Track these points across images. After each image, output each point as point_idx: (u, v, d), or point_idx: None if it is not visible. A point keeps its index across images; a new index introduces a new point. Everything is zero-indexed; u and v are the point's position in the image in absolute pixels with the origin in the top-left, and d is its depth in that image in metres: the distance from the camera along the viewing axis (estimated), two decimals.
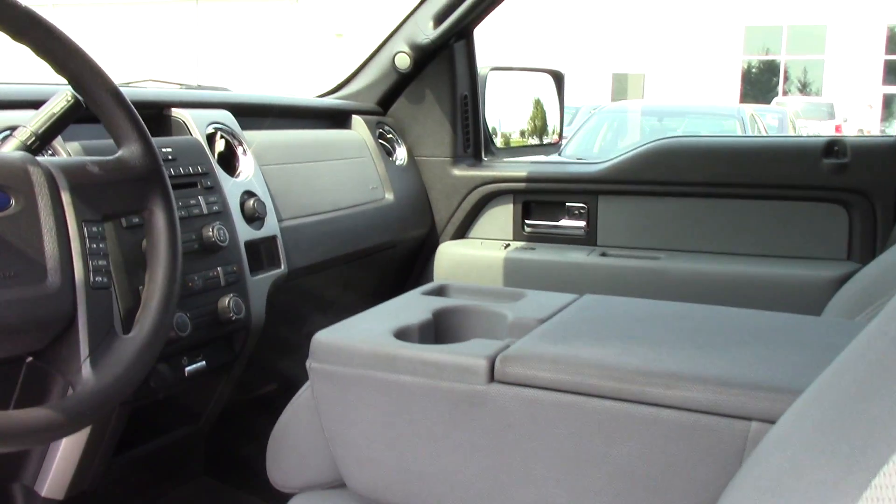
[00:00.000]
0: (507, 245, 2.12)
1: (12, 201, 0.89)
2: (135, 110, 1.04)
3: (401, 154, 2.16)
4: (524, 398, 0.98)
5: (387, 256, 2.05)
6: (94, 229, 0.95)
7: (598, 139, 8.61)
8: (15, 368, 1.11)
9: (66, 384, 1.14)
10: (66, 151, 1.25)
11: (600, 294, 1.33)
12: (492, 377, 1.00)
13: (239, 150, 1.61)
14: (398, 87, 2.18)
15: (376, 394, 1.07)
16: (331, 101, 2.18)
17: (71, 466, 1.31)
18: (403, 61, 2.12)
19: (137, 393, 1.31)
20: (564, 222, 2.11)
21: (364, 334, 1.11)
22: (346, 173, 1.93)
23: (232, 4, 23.67)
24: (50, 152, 1.24)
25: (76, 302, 0.91)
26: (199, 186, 1.44)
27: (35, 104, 1.21)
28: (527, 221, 2.14)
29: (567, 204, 2.10)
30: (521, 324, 1.18)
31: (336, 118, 2.09)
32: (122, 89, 1.38)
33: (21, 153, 0.95)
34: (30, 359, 1.06)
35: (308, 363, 1.14)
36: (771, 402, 0.86)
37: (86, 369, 0.90)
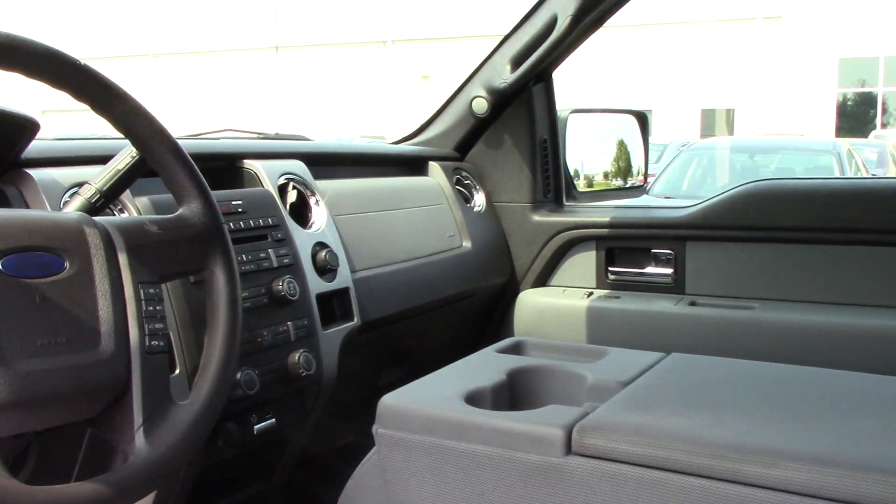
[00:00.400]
0: (590, 293, 2.03)
1: (66, 264, 0.86)
2: (195, 167, 1.02)
3: (479, 200, 2.10)
4: (604, 472, 0.90)
5: (465, 306, 1.99)
6: (151, 291, 0.92)
7: (686, 176, 8.41)
8: (77, 436, 1.09)
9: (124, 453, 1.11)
10: (135, 206, 1.24)
11: (689, 346, 1.24)
12: (569, 448, 0.93)
13: (311, 201, 1.58)
14: (476, 131, 2.14)
15: (445, 463, 1.00)
16: (407, 147, 2.14)
17: None
18: (481, 106, 2.07)
19: (205, 453, 1.28)
20: (650, 269, 2.02)
21: (433, 398, 1.05)
22: (422, 221, 1.89)
23: (328, 51, 24.26)
24: (119, 207, 1.23)
25: (130, 367, 0.87)
26: (269, 239, 1.41)
27: (103, 160, 1.20)
28: (610, 269, 2.05)
29: (653, 250, 2.00)
30: (601, 387, 1.10)
31: (412, 165, 2.05)
32: (195, 141, 1.37)
33: (78, 214, 0.93)
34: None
35: (374, 428, 1.09)
36: (883, 486, 0.76)
37: (139, 438, 0.86)
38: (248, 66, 24.93)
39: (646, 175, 2.47)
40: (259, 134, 1.98)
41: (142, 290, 0.91)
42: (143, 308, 0.90)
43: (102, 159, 1.22)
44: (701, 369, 1.15)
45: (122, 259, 0.91)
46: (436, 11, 23.15)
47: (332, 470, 1.87)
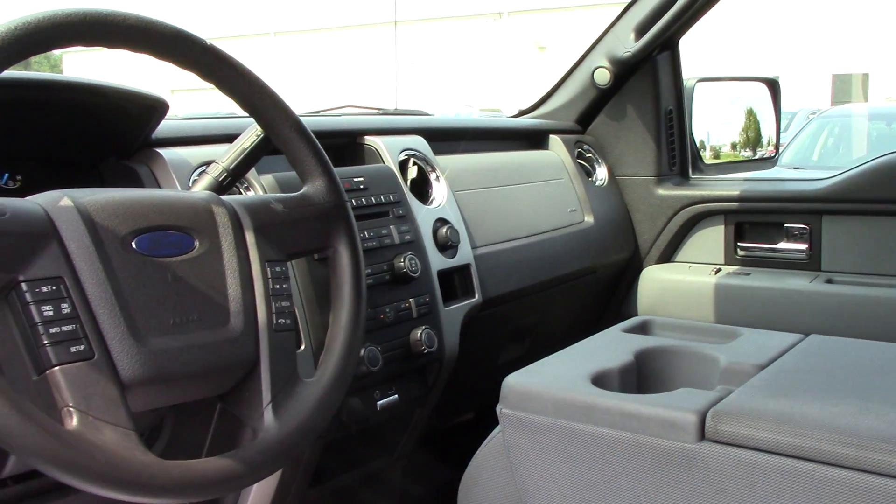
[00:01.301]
0: (718, 270, 1.96)
1: (196, 243, 0.88)
2: (319, 145, 1.02)
3: (601, 174, 2.05)
4: (739, 460, 0.86)
5: (586, 283, 1.94)
6: (278, 269, 0.93)
7: (817, 146, 8.03)
8: (208, 412, 1.11)
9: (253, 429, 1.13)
10: (260, 184, 1.25)
11: (826, 327, 1.17)
12: (702, 434, 0.89)
13: (432, 177, 1.57)
14: (598, 103, 2.08)
15: (572, 445, 0.98)
16: (527, 121, 2.11)
17: (267, 498, 1.30)
18: (603, 77, 2.02)
19: (330, 428, 1.29)
20: (783, 245, 1.92)
21: (559, 379, 1.02)
22: (543, 196, 1.85)
23: (443, 24, 24.28)
24: (245, 185, 1.24)
25: (259, 345, 0.88)
26: (390, 215, 1.41)
27: (229, 138, 1.22)
28: (740, 244, 1.97)
29: (786, 225, 1.91)
30: (735, 370, 1.05)
31: (533, 138, 2.02)
32: (316, 118, 1.37)
33: (206, 193, 0.94)
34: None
35: (498, 408, 1.07)
36: None
37: (268, 415, 0.87)
38: (365, 41, 25.19)
39: (777, 145, 2.36)
40: (379, 110, 1.98)
41: (268, 269, 0.92)
42: (270, 286, 0.91)
43: (229, 138, 1.24)
44: (843, 352, 1.08)
45: (250, 238, 0.92)
46: None
47: (452, 447, 1.87)
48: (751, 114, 2.38)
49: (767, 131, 2.36)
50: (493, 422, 1.23)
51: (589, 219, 1.93)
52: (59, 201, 0.81)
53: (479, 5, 23.77)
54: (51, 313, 0.75)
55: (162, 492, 0.75)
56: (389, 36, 24.60)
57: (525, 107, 2.23)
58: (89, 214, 0.81)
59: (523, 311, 1.80)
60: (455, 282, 1.53)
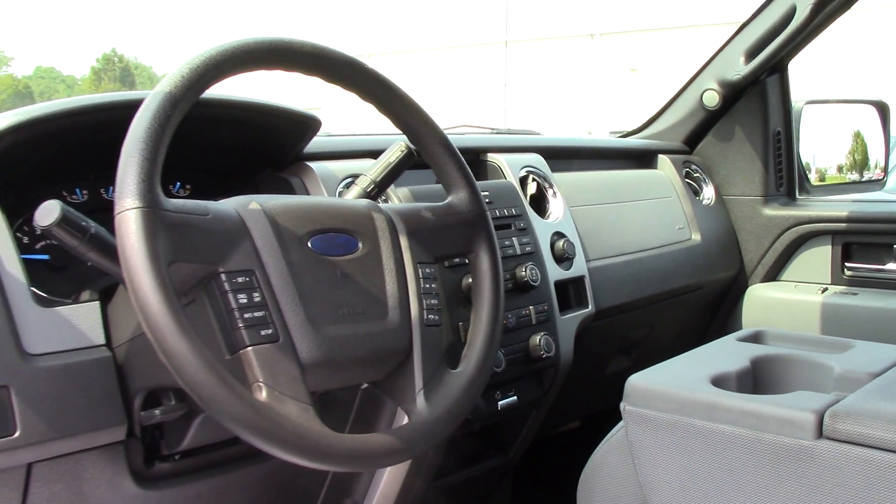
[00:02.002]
0: (825, 289, 1.99)
1: (360, 245, 0.99)
2: (462, 160, 1.12)
3: (708, 193, 2.11)
4: (857, 457, 0.92)
5: (692, 298, 2.00)
6: (428, 270, 1.03)
7: None
8: (352, 394, 1.22)
9: (393, 412, 1.24)
10: (397, 196, 1.36)
11: None
12: (820, 432, 0.95)
13: (549, 193, 1.66)
14: (706, 124, 2.14)
15: (693, 441, 1.05)
16: (637, 141, 2.18)
17: (395, 488, 1.41)
18: (712, 98, 2.08)
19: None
20: (892, 266, 1.94)
21: (680, 380, 1.10)
22: (652, 213, 1.92)
23: (532, 45, 24.36)
24: (383, 198, 1.35)
25: (412, 338, 0.99)
26: (512, 228, 1.50)
27: (373, 154, 1.34)
28: (847, 264, 1.99)
29: (895, 246, 1.93)
30: (849, 377, 1.10)
31: (642, 158, 2.09)
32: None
33: (366, 201, 1.06)
34: (364, 385, 1.16)
35: (622, 405, 1.15)
36: None
37: (420, 400, 0.97)
38: (464, 62, 25.45)
39: (885, 168, 2.37)
40: (492, 129, 2.09)
41: (420, 270, 1.02)
42: (422, 285, 1.02)
43: (371, 154, 1.36)
44: None
45: (403, 241, 1.03)
46: (644, 2, 22.67)
47: (560, 451, 1.94)
48: (858, 136, 2.39)
49: (875, 154, 2.37)
50: (599, 429, 1.30)
51: (696, 236, 1.99)
52: (249, 205, 0.93)
53: (572, 27, 23.79)
54: (245, 301, 0.87)
55: (335, 460, 0.86)
56: (485, 57, 24.81)
57: (631, 128, 2.30)
58: (273, 217, 0.93)
59: (632, 323, 1.86)
60: (570, 292, 1.61)
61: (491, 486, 1.72)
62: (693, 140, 2.17)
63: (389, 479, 1.40)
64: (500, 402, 1.45)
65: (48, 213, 0.85)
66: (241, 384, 0.82)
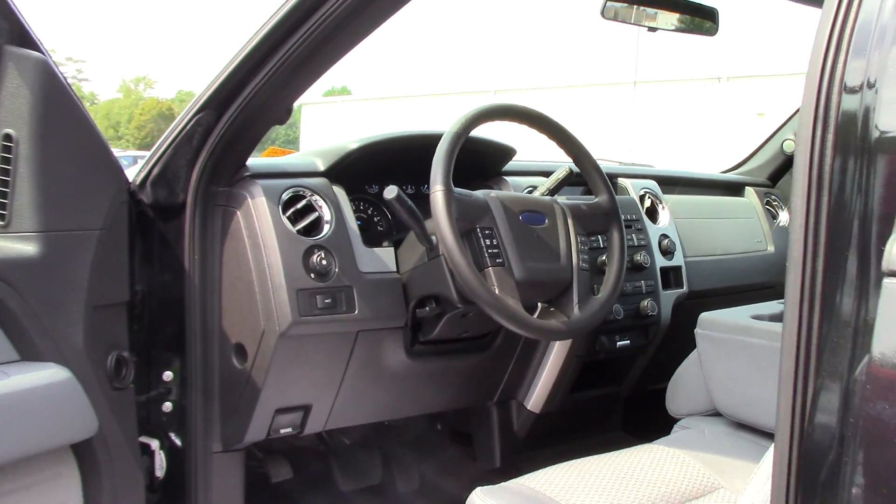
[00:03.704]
0: None
1: (546, 221, 1.74)
2: (606, 177, 1.86)
3: (783, 217, 2.78)
4: None
5: (764, 295, 2.67)
6: (582, 239, 1.78)
7: None
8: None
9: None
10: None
11: None
12: None
13: (659, 207, 2.39)
14: (785, 166, 2.82)
15: (739, 350, 1.76)
16: (730, 175, 2.89)
17: (546, 391, 2.15)
18: (790, 146, 2.76)
19: (588, 352, 2.13)
20: None
21: (730, 314, 1.81)
22: (737, 228, 2.62)
23: (663, 86, 24.82)
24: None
25: (573, 274, 1.73)
26: (633, 228, 2.24)
27: (545, 173, 2.10)
28: None
29: None
30: None
31: (733, 188, 2.79)
32: None
33: (549, 197, 1.82)
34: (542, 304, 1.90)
35: (696, 331, 1.87)
36: None
37: (575, 309, 1.71)
38: (595, 100, 26.17)
39: None
40: (620, 162, 2.83)
41: (578, 238, 1.77)
42: (579, 247, 1.76)
43: (544, 173, 2.12)
44: None
45: (570, 221, 1.78)
46: (770, 47, 22.81)
47: (657, 400, 2.65)
48: None
49: None
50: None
51: (771, 248, 2.67)
52: (490, 194, 1.70)
53: (699, 69, 24.15)
54: (488, 243, 1.64)
55: (529, 328, 1.61)
56: (608, 96, 25.40)
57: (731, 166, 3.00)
58: (502, 201, 1.70)
59: (715, 305, 2.55)
60: (671, 276, 2.32)
61: (607, 410, 2.44)
62: (775, 177, 2.85)
63: (544, 384, 2.14)
64: (618, 343, 2.19)
65: (391, 192, 1.64)
66: (486, 285, 1.59)
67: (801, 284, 0.80)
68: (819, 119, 0.78)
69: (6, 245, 1.39)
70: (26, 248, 1.40)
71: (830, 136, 0.78)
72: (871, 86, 0.76)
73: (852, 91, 0.77)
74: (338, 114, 31.30)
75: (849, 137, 0.76)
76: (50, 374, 1.38)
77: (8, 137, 1.39)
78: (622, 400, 2.47)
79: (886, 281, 0.68)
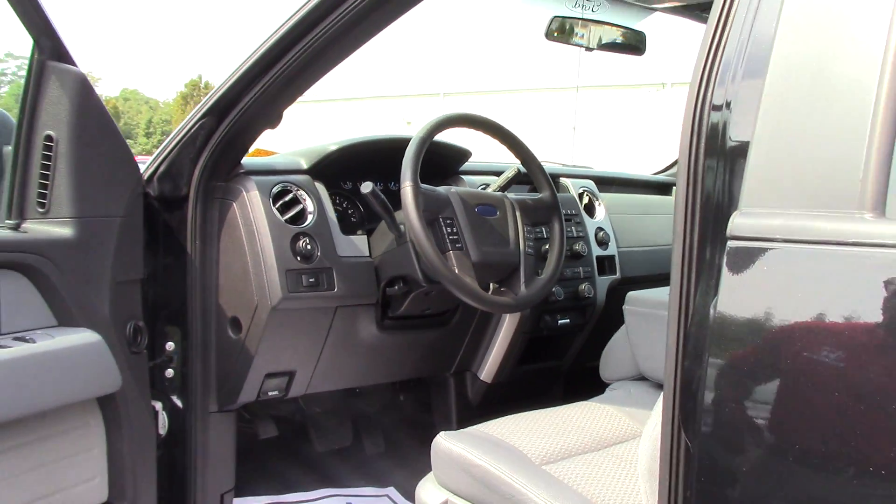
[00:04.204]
0: None
1: (497, 213, 2.05)
2: (549, 176, 2.18)
3: None
4: None
5: None
6: (528, 228, 2.09)
7: None
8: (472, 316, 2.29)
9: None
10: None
11: None
12: None
13: (596, 203, 2.72)
14: None
15: (659, 322, 2.09)
16: (659, 176, 3.23)
17: (497, 363, 2.46)
18: None
19: (533, 329, 2.45)
20: None
21: (653, 293, 2.14)
22: (664, 223, 2.96)
23: (606, 91, 25.36)
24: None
25: (520, 258, 2.04)
26: (572, 221, 2.56)
27: (497, 173, 2.41)
28: None
29: None
30: None
31: (662, 188, 3.14)
32: None
33: (501, 193, 2.13)
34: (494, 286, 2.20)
35: (624, 307, 2.20)
36: None
37: (522, 287, 2.02)
38: (539, 104, 26.66)
39: None
40: (563, 164, 3.16)
41: (525, 228, 2.08)
42: (525, 235, 2.08)
43: (496, 173, 2.43)
44: None
45: (518, 214, 2.09)
46: None
47: (593, 375, 2.97)
48: None
49: None
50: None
51: None
52: (451, 189, 2.01)
53: (644, 76, 24.76)
54: (450, 231, 1.94)
55: (485, 303, 1.92)
56: (551, 100, 25.89)
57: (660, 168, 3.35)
58: (460, 196, 2.01)
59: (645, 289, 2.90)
60: (605, 264, 2.65)
61: (550, 381, 2.77)
62: None
63: (495, 356, 2.45)
64: (559, 321, 2.51)
65: (367, 187, 1.93)
66: (447, 266, 1.90)
67: (682, 251, 1.12)
68: (695, 131, 1.09)
69: (47, 228, 1.66)
70: (63, 230, 1.67)
71: (703, 144, 1.09)
72: (728, 107, 1.07)
73: (717, 109, 1.08)
74: (288, 116, 31.18)
75: (714, 144, 1.08)
76: (84, 336, 1.65)
77: (49, 138, 1.65)
78: (564, 373, 2.79)
79: (729, 243, 0.99)
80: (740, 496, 0.98)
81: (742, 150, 1.03)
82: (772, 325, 0.94)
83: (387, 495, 2.49)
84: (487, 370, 2.48)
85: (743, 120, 1.05)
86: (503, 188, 2.25)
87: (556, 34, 2.34)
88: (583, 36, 2.40)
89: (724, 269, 0.99)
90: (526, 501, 1.56)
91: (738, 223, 0.98)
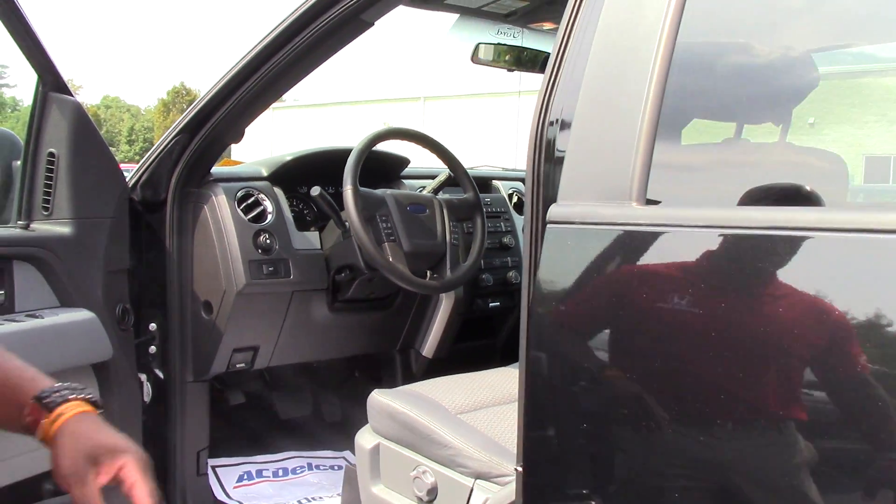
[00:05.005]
0: None
1: (427, 210, 2.45)
2: (472, 180, 2.58)
3: None
4: None
5: None
6: (453, 224, 2.49)
7: None
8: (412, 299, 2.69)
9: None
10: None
11: None
12: None
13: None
14: None
15: None
16: None
17: (437, 341, 2.86)
18: None
19: (467, 311, 2.85)
20: None
21: None
22: None
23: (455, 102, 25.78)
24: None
25: (447, 248, 2.44)
26: (501, 218, 2.96)
27: (432, 177, 2.81)
28: None
29: None
30: None
31: None
32: (474, 170, 2.95)
33: (431, 194, 2.52)
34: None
35: None
36: None
37: (448, 272, 2.42)
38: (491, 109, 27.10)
39: None
40: (502, 168, 3.56)
41: (451, 223, 2.48)
42: (451, 230, 2.47)
43: (430, 176, 2.83)
44: None
45: (445, 211, 2.49)
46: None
47: None
48: None
49: None
50: None
51: None
52: (387, 192, 2.40)
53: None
54: (385, 226, 2.34)
55: (417, 286, 2.32)
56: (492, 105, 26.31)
57: None
58: (394, 196, 2.40)
59: None
60: None
61: (486, 357, 3.16)
62: None
63: (434, 335, 2.85)
64: (490, 304, 2.91)
65: (315, 191, 2.32)
66: (383, 255, 2.29)
67: (530, 237, 1.51)
68: (537, 144, 1.48)
69: (50, 227, 2.05)
70: (64, 229, 2.05)
71: (543, 153, 1.48)
72: (557, 124, 1.45)
73: (552, 125, 1.46)
74: (273, 121, 31.69)
75: (549, 154, 1.47)
76: (81, 314, 2.04)
77: (51, 154, 2.04)
78: (498, 350, 3.18)
79: (548, 226, 1.38)
80: (557, 413, 1.37)
81: (562, 158, 1.43)
82: (573, 286, 1.34)
83: (343, 457, 2.88)
84: (428, 347, 2.87)
85: (564, 135, 1.44)
86: (436, 190, 2.65)
87: (481, 58, 2.74)
88: (505, 59, 2.79)
89: (545, 247, 1.38)
90: (439, 439, 1.94)
91: (553, 211, 1.37)
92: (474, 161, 3.59)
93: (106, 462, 1.05)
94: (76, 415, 1.09)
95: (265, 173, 2.50)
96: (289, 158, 2.53)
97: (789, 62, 1.81)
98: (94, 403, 1.13)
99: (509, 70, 2.82)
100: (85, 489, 1.03)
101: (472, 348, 3.05)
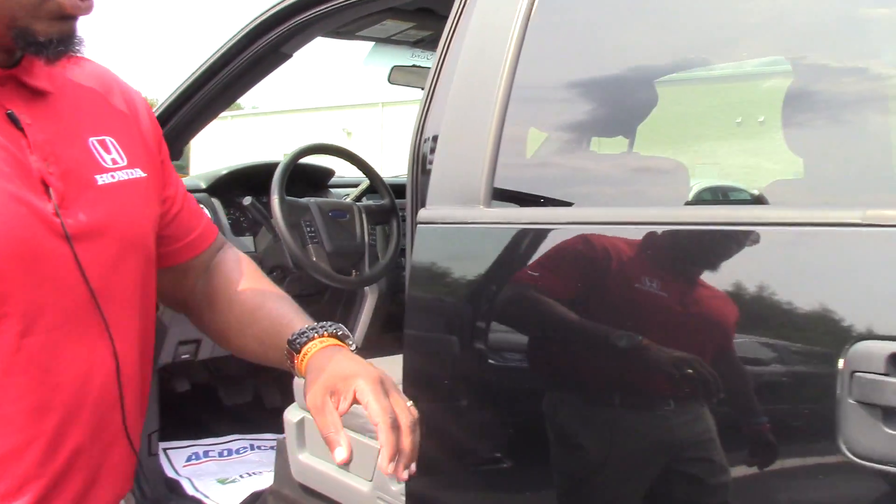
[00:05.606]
0: None
1: (347, 216, 2.79)
2: (389, 188, 2.92)
3: None
4: None
5: None
6: (371, 227, 2.83)
7: None
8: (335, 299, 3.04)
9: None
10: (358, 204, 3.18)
11: None
12: None
13: None
14: None
15: None
16: None
17: (364, 332, 3.20)
18: None
19: (391, 305, 3.18)
20: None
21: None
22: None
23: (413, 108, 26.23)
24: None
25: (365, 248, 2.78)
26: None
27: (353, 185, 3.15)
28: None
29: None
30: None
31: None
32: (394, 179, 3.30)
33: (350, 201, 2.86)
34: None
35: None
36: None
37: (367, 269, 2.76)
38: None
39: None
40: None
41: (369, 227, 2.83)
42: (370, 232, 2.82)
43: (353, 185, 3.17)
44: None
45: (363, 216, 2.83)
46: None
47: None
48: None
49: None
50: None
51: None
52: (311, 200, 2.74)
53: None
54: (309, 230, 2.68)
55: (340, 282, 2.66)
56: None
57: None
58: (318, 204, 2.74)
59: None
60: None
61: None
62: None
63: (362, 327, 3.18)
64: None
65: (247, 200, 2.66)
66: (307, 255, 2.63)
67: (410, 237, 1.86)
68: (415, 156, 1.80)
69: None
70: None
71: (420, 165, 1.82)
72: (426, 141, 1.78)
73: (426, 141, 1.79)
74: (231, 129, 31.81)
75: (424, 166, 1.81)
76: None
77: None
78: None
79: (418, 226, 1.72)
80: (430, 383, 1.70)
81: (431, 170, 1.77)
82: (436, 276, 1.68)
83: (283, 439, 3.21)
84: (357, 338, 3.21)
85: (433, 149, 1.78)
86: (359, 197, 2.99)
87: (397, 80, 3.08)
88: (421, 80, 3.14)
89: (415, 243, 1.72)
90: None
91: (421, 214, 1.71)
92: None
93: (341, 390, 1.12)
94: (318, 352, 1.18)
95: (204, 185, 2.83)
96: (224, 172, 2.86)
97: (630, 86, 2.16)
98: (339, 337, 1.22)
99: (422, 89, 3.16)
100: (325, 419, 1.11)
101: (397, 337, 3.38)
